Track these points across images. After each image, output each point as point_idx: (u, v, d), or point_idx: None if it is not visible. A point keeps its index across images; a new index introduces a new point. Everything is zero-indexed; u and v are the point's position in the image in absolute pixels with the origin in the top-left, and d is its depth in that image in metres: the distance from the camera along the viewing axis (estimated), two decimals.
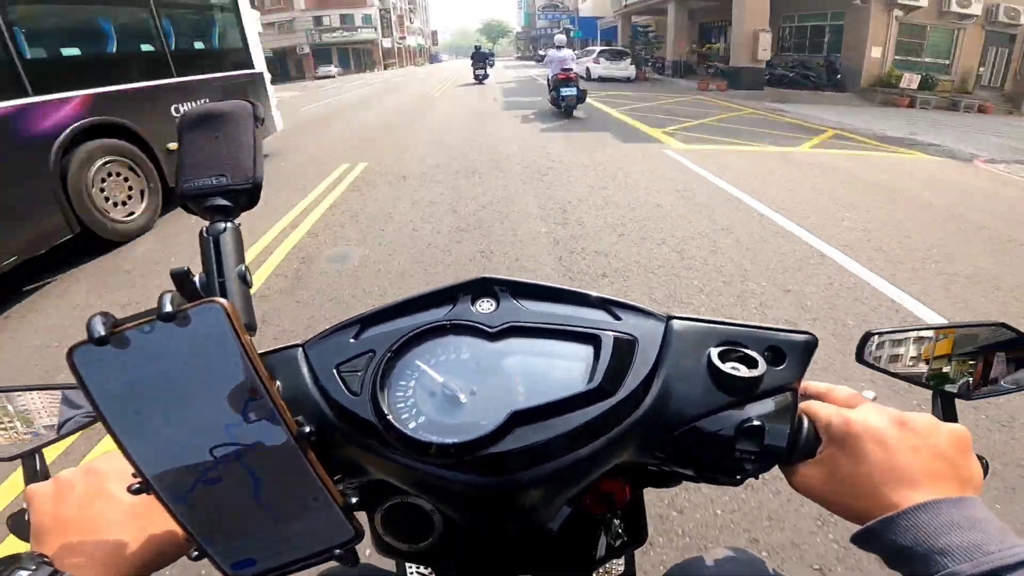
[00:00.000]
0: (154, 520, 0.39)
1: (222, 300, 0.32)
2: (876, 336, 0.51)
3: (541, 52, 45.96)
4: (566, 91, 10.71)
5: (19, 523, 0.44)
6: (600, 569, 0.63)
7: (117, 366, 0.31)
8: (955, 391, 0.51)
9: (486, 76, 22.70)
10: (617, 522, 0.57)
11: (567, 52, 11.29)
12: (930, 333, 0.52)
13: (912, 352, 0.52)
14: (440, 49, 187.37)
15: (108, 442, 0.48)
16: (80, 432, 0.50)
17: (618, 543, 0.57)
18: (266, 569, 0.36)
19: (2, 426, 0.49)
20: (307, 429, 0.34)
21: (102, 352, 0.31)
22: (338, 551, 0.36)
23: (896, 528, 0.34)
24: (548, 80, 11.85)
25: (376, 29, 52.65)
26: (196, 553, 0.35)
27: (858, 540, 0.37)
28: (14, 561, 0.33)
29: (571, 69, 10.88)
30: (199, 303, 0.31)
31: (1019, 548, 0.31)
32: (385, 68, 56.08)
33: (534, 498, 0.44)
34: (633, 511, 0.59)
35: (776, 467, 0.46)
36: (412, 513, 0.50)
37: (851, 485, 0.39)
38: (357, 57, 53.78)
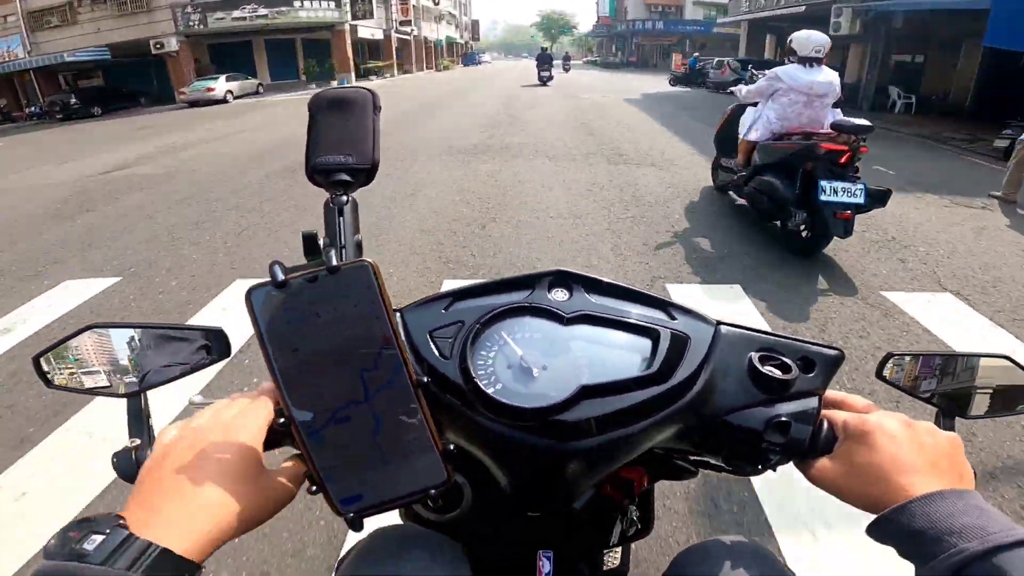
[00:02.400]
0: (256, 479, 0.39)
1: (371, 260, 0.38)
2: (895, 357, 0.57)
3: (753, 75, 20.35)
4: (839, 193, 3.48)
5: (126, 462, 0.46)
6: (601, 558, 0.68)
7: (284, 308, 0.37)
8: (956, 410, 0.56)
9: (550, 78, 23.33)
10: (633, 508, 0.64)
11: (828, 76, 4.05)
12: (941, 359, 0.58)
13: (926, 373, 0.57)
14: (486, 47, 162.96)
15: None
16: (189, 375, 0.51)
17: (631, 531, 0.64)
18: (370, 505, 0.39)
19: (111, 365, 0.50)
20: (425, 379, 0.40)
21: (275, 295, 0.36)
22: (432, 491, 0.40)
23: (909, 515, 0.39)
24: (749, 127, 4.45)
25: (342, 6, 26.35)
26: (315, 488, 0.39)
27: (873, 530, 0.42)
28: (88, 524, 0.33)
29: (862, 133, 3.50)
30: (355, 261, 0.38)
31: (1018, 530, 0.36)
32: (367, 75, 29.88)
33: (580, 468, 0.50)
34: (644, 501, 0.66)
35: (791, 465, 0.51)
36: None
37: (865, 474, 0.44)
38: (312, 55, 27.71)
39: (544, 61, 24.18)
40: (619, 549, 0.69)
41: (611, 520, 0.63)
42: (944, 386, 0.57)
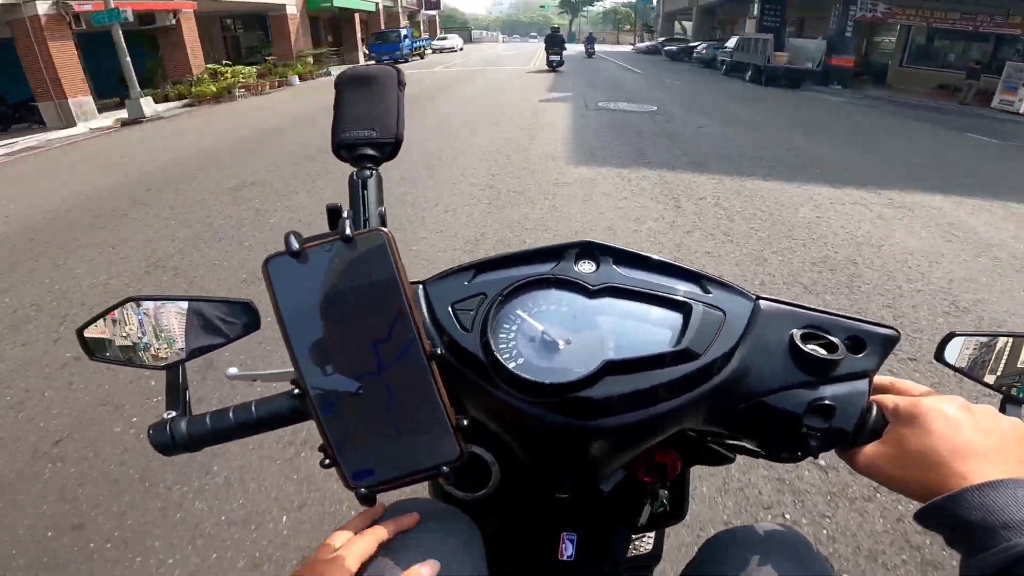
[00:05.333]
0: None
1: (386, 230, 0.38)
2: (958, 337, 0.53)
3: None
4: None
5: (161, 434, 0.47)
6: (631, 543, 0.66)
7: (300, 278, 0.37)
8: None
9: (560, 63, 20.14)
10: (664, 492, 0.61)
11: None
12: (1009, 339, 0.53)
13: (992, 357, 0.53)
14: (486, 25, 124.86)
15: None
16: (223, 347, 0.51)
17: (660, 511, 0.62)
18: (382, 480, 0.40)
19: (150, 337, 0.52)
20: (439, 351, 0.40)
21: (291, 264, 0.37)
22: (445, 468, 0.40)
23: (963, 503, 0.37)
24: None
25: None
26: (327, 462, 0.40)
27: (922, 516, 0.40)
28: None
29: None
30: (370, 230, 0.38)
31: None
32: None
33: (604, 448, 0.49)
34: (678, 486, 0.64)
35: (831, 453, 0.49)
36: (473, 463, 0.53)
37: (918, 459, 0.42)
38: None
39: (554, 43, 20.25)
40: (652, 534, 0.68)
41: (640, 504, 0.62)
42: (1013, 370, 0.53)
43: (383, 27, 29.58)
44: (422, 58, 29.32)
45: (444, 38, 40.03)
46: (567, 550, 0.58)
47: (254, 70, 15.41)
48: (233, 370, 0.60)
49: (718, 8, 31.28)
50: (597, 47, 32.01)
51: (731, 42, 20.75)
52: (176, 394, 0.50)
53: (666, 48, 30.62)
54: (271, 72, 16.63)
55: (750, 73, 17.81)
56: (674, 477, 0.60)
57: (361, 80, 0.54)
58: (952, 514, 0.37)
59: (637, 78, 17.79)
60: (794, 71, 16.73)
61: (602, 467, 0.53)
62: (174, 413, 0.49)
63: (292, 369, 0.39)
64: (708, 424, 0.51)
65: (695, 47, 26.55)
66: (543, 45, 21.77)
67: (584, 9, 78.87)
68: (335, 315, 0.38)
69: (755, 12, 22.81)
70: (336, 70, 23.93)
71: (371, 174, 0.53)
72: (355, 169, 0.53)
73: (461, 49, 39.64)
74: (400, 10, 34.01)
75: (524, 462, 0.54)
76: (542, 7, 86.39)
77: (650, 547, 0.67)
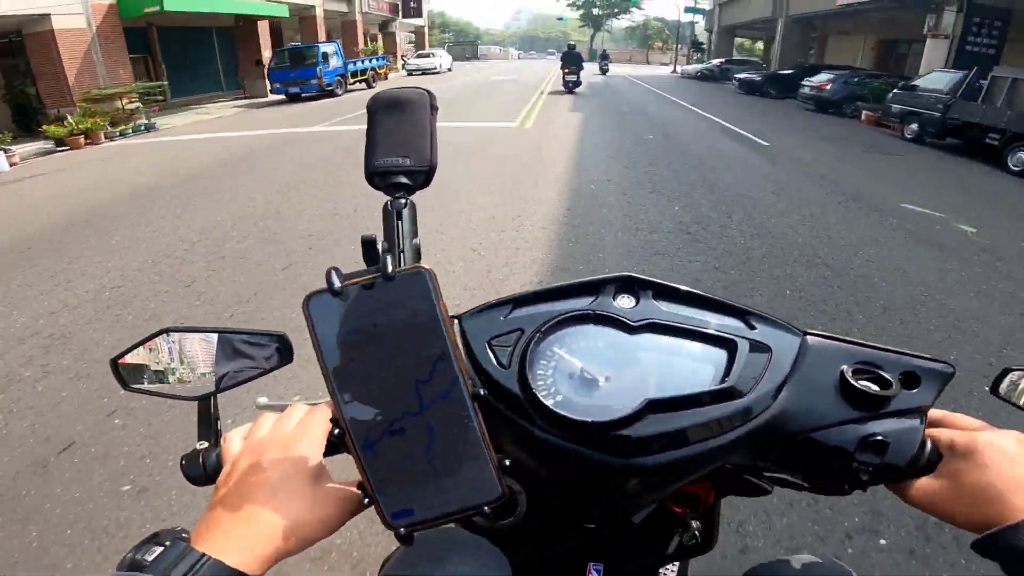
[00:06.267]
0: (316, 496, 0.39)
1: (427, 267, 0.38)
2: (1014, 372, 0.54)
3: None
4: None
5: (192, 465, 0.48)
6: (657, 574, 0.66)
7: (340, 316, 0.37)
8: None
9: (578, 83, 17.62)
10: (696, 523, 0.61)
11: None
12: None
13: None
14: (502, 40, 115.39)
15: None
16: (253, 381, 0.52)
17: (691, 543, 0.61)
18: (421, 519, 0.39)
19: (184, 368, 0.52)
20: (481, 391, 0.40)
21: (331, 302, 0.37)
22: (486, 508, 0.39)
23: (1022, 534, 0.38)
24: None
25: None
26: (367, 500, 0.40)
27: (979, 547, 0.41)
28: (154, 538, 0.37)
29: None
30: (411, 268, 0.37)
31: None
32: None
33: (641, 485, 0.48)
34: (708, 516, 0.63)
35: (882, 485, 0.49)
36: None
37: (975, 493, 0.43)
38: None
39: (571, 61, 17.72)
40: (675, 565, 0.67)
41: (669, 534, 0.61)
42: None
43: (323, 38, 20.06)
44: (370, 86, 19.73)
45: (427, 55, 30.46)
46: None
47: None
48: (263, 399, 0.56)
49: (819, 20, 21.28)
50: (619, 68, 30.57)
51: (928, 80, 10.64)
52: (208, 425, 0.51)
53: (740, 76, 20.61)
54: None
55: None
56: (706, 508, 0.60)
57: (393, 104, 0.54)
58: (1011, 544, 0.38)
59: (776, 173, 7.86)
60: None
61: (638, 502, 0.52)
62: (206, 444, 0.49)
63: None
64: (753, 459, 0.51)
65: (799, 76, 16.55)
66: (559, 63, 19.19)
67: (607, 23, 69.63)
68: (376, 354, 0.37)
69: (942, 25, 12.73)
70: (189, 116, 12.87)
71: (405, 203, 0.53)
72: (389, 198, 0.53)
73: (448, 70, 30.18)
74: (359, 16, 24.53)
75: (556, 496, 0.55)
76: (560, 19, 77.38)
77: None
